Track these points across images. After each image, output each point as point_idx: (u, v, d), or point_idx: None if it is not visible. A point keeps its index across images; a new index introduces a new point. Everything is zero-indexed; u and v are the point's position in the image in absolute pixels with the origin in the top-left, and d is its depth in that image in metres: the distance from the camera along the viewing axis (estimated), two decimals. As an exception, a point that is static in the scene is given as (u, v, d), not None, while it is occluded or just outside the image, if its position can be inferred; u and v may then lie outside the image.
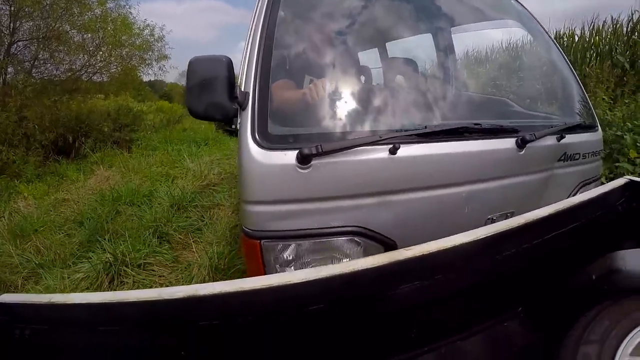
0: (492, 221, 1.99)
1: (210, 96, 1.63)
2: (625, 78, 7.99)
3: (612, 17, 9.81)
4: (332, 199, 1.65)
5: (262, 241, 1.64)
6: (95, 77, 12.81)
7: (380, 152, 1.66)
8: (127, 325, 1.47)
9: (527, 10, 2.77)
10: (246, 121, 1.64)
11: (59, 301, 1.44)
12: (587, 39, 10.10)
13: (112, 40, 12.00)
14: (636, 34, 8.82)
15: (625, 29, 9.29)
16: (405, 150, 1.69)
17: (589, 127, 2.47)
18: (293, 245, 1.68)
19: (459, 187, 1.87)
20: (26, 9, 9.76)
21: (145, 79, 16.06)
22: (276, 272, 1.69)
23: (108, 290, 3.73)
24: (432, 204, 1.82)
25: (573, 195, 2.30)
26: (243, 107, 1.66)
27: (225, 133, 13.18)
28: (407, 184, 1.74)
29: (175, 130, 13.89)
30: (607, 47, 9.33)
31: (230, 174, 7.26)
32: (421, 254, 1.49)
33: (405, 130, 1.75)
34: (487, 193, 1.96)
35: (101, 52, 12.20)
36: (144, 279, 3.89)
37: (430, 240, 1.59)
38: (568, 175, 2.31)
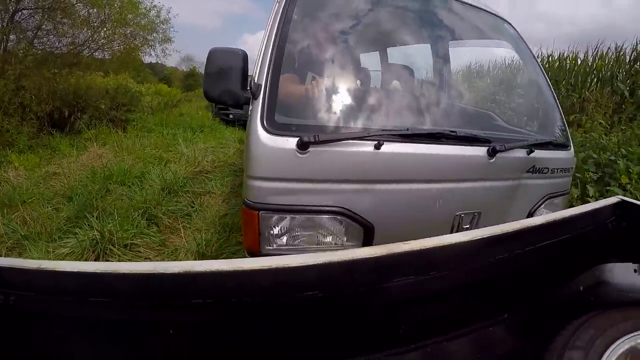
0: (460, 217, 2.26)
1: (226, 84, 1.92)
2: (623, 105, 8.08)
3: (616, 45, 9.93)
4: (323, 182, 1.90)
5: (260, 212, 1.88)
6: (96, 54, 12.74)
7: (367, 147, 1.91)
8: (118, 298, 1.45)
9: (520, 35, 3.03)
10: (257, 109, 1.87)
11: (48, 268, 1.42)
12: (590, 64, 10.16)
13: (118, 18, 11.91)
14: (639, 63, 8.89)
15: (628, 57, 9.38)
16: (388, 147, 1.95)
17: (561, 146, 2.69)
18: (287, 218, 1.94)
19: (433, 184, 2.13)
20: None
21: (146, 60, 15.99)
22: (270, 241, 1.97)
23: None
24: (408, 196, 2.08)
25: (538, 206, 2.60)
26: (255, 96, 1.91)
27: (222, 122, 13.17)
28: (387, 176, 2.01)
29: (172, 114, 13.84)
30: (608, 73, 9.40)
31: (224, 162, 7.27)
32: (418, 248, 1.54)
33: (390, 130, 2.03)
34: (457, 192, 2.20)
35: (105, 29, 12.11)
36: (129, 259, 3.86)
37: (404, 227, 2.09)
38: (535, 186, 2.54)
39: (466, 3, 2.83)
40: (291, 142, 1.80)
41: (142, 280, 1.39)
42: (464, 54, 3.75)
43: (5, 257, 3.93)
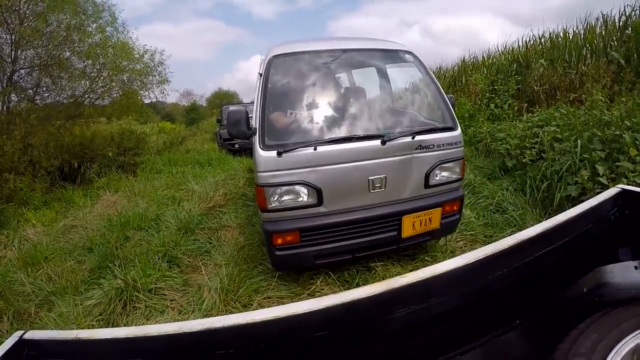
0: (372, 180, 3.58)
1: (238, 127, 3.58)
2: (622, 74, 7.96)
3: (602, 14, 9.87)
4: (292, 169, 3.41)
5: (264, 188, 3.43)
6: (97, 102, 12.91)
7: (310, 149, 3.42)
8: (151, 358, 1.58)
9: (419, 59, 4.39)
10: (256, 140, 3.49)
11: (85, 337, 1.51)
12: (582, 37, 10.10)
13: (113, 66, 12.10)
14: (629, 29, 8.76)
15: (617, 24, 9.28)
16: (321, 149, 3.44)
17: (448, 129, 3.94)
18: (277, 189, 3.45)
19: (350, 163, 3.51)
20: (27, 38, 9.87)
21: (147, 100, 16.13)
22: (272, 203, 3.48)
23: (121, 316, 3.81)
24: (336, 171, 3.50)
25: (432, 169, 3.80)
26: (255, 133, 3.55)
27: (229, 153, 13.29)
28: (323, 162, 3.46)
29: (178, 152, 13.94)
30: (601, 44, 9.32)
31: (235, 194, 7.34)
32: (415, 280, 1.65)
33: (320, 140, 3.52)
34: (367, 166, 3.55)
35: (102, 78, 12.29)
36: (155, 304, 3.93)
37: (337, 187, 3.54)
38: (426, 157, 3.76)
39: (390, 49, 4.53)
40: (273, 153, 3.37)
41: (171, 340, 1.50)
42: (396, 74, 5.17)
43: (34, 316, 4.01)
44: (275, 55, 3.97)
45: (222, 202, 6.85)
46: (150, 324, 3.66)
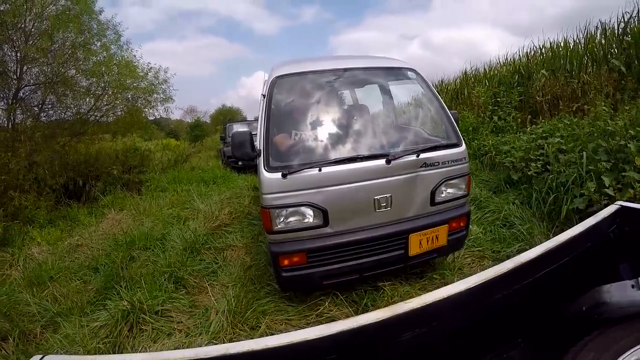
0: (378, 200, 3.58)
1: (243, 149, 3.61)
2: (623, 81, 7.95)
3: (600, 22, 9.89)
4: (296, 191, 3.40)
5: (270, 210, 3.42)
6: (102, 119, 12.97)
7: (314, 171, 3.42)
8: None
9: (422, 76, 4.42)
10: (261, 161, 3.51)
11: None
12: (583, 46, 10.11)
13: (117, 84, 12.20)
14: (629, 36, 8.76)
15: (616, 32, 9.28)
16: (325, 169, 3.43)
17: (453, 145, 3.92)
18: (282, 210, 3.43)
19: (355, 183, 3.51)
20: (32, 55, 9.95)
21: (151, 117, 16.20)
22: (277, 225, 3.46)
23: (128, 338, 3.78)
24: (342, 191, 3.49)
25: (438, 186, 3.78)
26: (259, 155, 3.57)
27: (234, 170, 13.30)
28: (328, 183, 3.45)
29: (183, 169, 13.95)
30: (601, 52, 9.33)
31: (241, 213, 7.32)
32: (419, 305, 1.72)
33: (324, 161, 3.50)
34: (372, 186, 3.55)
35: (107, 95, 12.38)
36: (162, 326, 3.90)
37: (343, 207, 3.52)
38: (431, 174, 3.75)
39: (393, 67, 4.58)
40: (278, 175, 3.37)
41: None
42: (397, 93, 5.27)
43: (40, 337, 3.98)
44: (278, 76, 3.99)
45: (227, 221, 6.84)
46: (157, 347, 3.65)
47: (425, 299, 1.75)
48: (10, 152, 8.57)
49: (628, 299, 1.85)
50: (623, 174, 4.70)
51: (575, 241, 2.10)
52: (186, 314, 4.13)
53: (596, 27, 10.11)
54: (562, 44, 10.86)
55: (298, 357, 1.63)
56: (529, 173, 6.23)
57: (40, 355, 1.57)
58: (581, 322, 1.96)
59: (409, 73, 4.44)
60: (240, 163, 13.64)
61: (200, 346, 2.70)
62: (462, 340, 1.96)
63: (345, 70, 4.27)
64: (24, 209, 8.04)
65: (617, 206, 2.30)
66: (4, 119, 10.53)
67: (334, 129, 4.01)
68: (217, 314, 3.90)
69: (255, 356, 1.53)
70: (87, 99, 11.95)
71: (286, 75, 4.05)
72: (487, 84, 11.83)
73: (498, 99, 10.23)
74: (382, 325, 1.66)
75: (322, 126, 3.97)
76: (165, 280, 4.70)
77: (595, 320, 1.87)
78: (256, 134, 4.32)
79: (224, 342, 3.52)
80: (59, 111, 11.58)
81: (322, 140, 3.82)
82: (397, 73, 4.62)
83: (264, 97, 3.96)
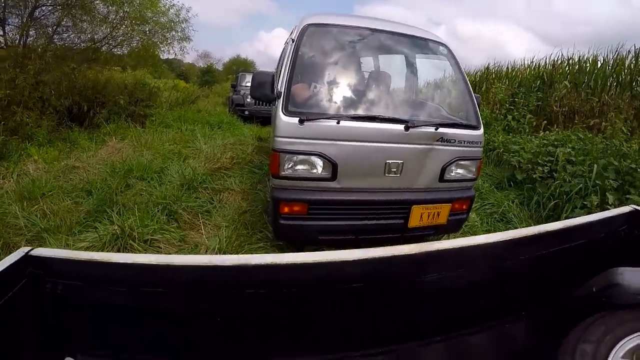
0: (389, 164, 3.55)
1: (263, 90, 3.51)
2: None
3: (635, 47, 9.77)
4: (311, 139, 3.36)
5: (280, 153, 3.38)
6: (115, 50, 12.75)
7: (332, 122, 3.37)
8: (173, 288, 1.56)
9: (452, 52, 4.31)
10: (280, 103, 3.42)
11: (101, 259, 1.50)
12: (611, 66, 10.06)
13: (137, 15, 11.90)
14: None
15: None
16: (344, 123, 3.38)
17: (471, 127, 3.88)
18: (292, 157, 3.40)
19: (371, 143, 3.47)
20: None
21: (164, 56, 15.97)
22: (285, 170, 3.43)
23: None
24: (355, 148, 3.45)
25: (449, 164, 3.77)
26: (279, 97, 3.47)
27: (239, 118, 13.18)
28: (343, 137, 3.41)
29: (190, 110, 13.75)
30: (628, 77, 9.32)
31: (242, 160, 7.27)
32: (450, 247, 1.78)
33: (345, 115, 3.50)
34: (386, 149, 3.52)
35: (124, 26, 12.09)
36: (149, 255, 3.81)
37: (354, 165, 3.48)
38: (445, 150, 3.72)
39: (426, 38, 4.40)
40: (295, 120, 3.31)
41: (198, 272, 1.49)
42: (425, 64, 5.11)
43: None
44: (310, 24, 3.90)
45: (228, 165, 6.80)
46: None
47: (456, 243, 1.82)
48: (19, 69, 8.41)
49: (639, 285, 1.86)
50: (627, 195, 4.84)
51: (591, 227, 2.17)
52: (175, 247, 4.11)
53: (628, 51, 10.06)
54: (590, 60, 10.80)
55: (325, 278, 1.64)
56: (534, 176, 6.29)
57: (30, 248, 1.51)
58: (587, 304, 1.97)
59: (441, 48, 4.36)
60: (246, 112, 13.66)
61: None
62: (480, 294, 2.02)
63: (379, 31, 4.16)
64: (25, 125, 7.93)
65: (632, 208, 2.35)
66: (17, 36, 10.30)
67: (357, 87, 3.99)
68: (207, 251, 3.88)
69: (275, 272, 1.53)
70: (104, 27, 11.65)
71: (319, 24, 3.98)
72: (507, 83, 11.75)
73: (515, 100, 10.19)
74: (410, 259, 1.70)
75: (346, 82, 3.95)
76: (158, 211, 4.67)
77: (602, 304, 1.88)
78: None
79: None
80: (72, 35, 11.31)
81: (343, 96, 3.80)
82: (429, 46, 4.50)
83: (293, 42, 3.89)
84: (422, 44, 4.51)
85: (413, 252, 1.67)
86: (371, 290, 1.74)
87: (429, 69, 5.20)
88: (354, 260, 1.56)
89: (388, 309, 1.91)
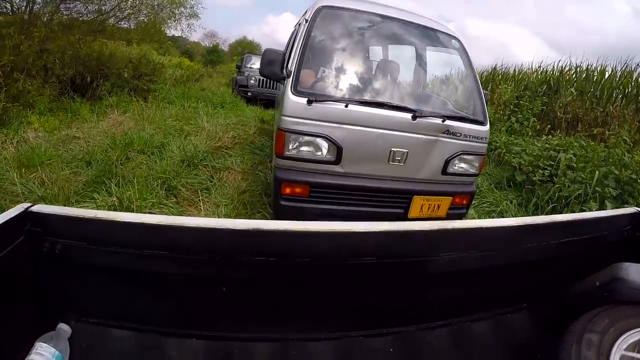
0: (394, 153, 3.55)
1: (273, 68, 3.51)
2: None
3: None
4: (317, 121, 3.35)
5: (286, 133, 3.37)
6: (121, 23, 12.62)
7: (341, 105, 3.37)
8: (179, 252, 1.50)
9: (464, 47, 4.32)
10: (289, 83, 3.42)
11: (105, 217, 1.44)
12: (618, 78, 10.13)
13: (146, -11, 11.73)
14: None
15: None
16: (352, 107, 3.38)
17: (477, 122, 3.89)
18: (298, 137, 3.39)
19: (377, 129, 3.47)
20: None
21: (170, 33, 15.87)
22: (289, 150, 3.42)
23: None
24: (361, 133, 3.44)
25: (453, 157, 3.75)
26: (289, 75, 3.47)
27: (242, 99, 13.13)
28: (351, 121, 3.41)
29: (194, 88, 13.68)
30: (635, 90, 9.39)
31: (244, 140, 7.24)
32: (464, 227, 1.83)
33: (354, 99, 3.51)
34: (392, 137, 3.51)
35: (131, -1, 11.95)
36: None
37: (359, 150, 3.48)
38: (450, 143, 3.71)
39: (436, 29, 4.38)
40: (303, 100, 3.30)
41: (206, 235, 1.45)
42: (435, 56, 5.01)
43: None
44: (325, 6, 3.91)
45: (229, 145, 6.76)
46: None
47: (471, 223, 1.88)
48: (24, 35, 8.31)
49: None
50: (625, 205, 4.83)
51: (597, 223, 2.20)
52: (173, 222, 4.01)
53: (637, 64, 10.10)
54: (598, 70, 10.85)
55: (337, 249, 1.62)
56: (534, 178, 6.32)
57: (30, 204, 1.46)
58: (589, 298, 2.00)
59: (453, 41, 4.37)
60: (249, 94, 13.63)
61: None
62: (486, 280, 2.04)
63: (392, 18, 4.16)
64: (27, 93, 7.82)
65: (636, 210, 2.35)
66: (24, 2, 10.14)
67: (367, 73, 4.04)
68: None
69: (290, 238, 1.51)
70: (112, -1, 11.49)
71: (333, 7, 3.97)
72: (513, 85, 11.80)
73: (520, 102, 10.22)
74: (425, 236, 1.70)
75: (356, 66, 3.96)
76: (157, 185, 4.66)
77: (604, 299, 1.91)
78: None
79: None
80: (79, 5, 11.17)
81: (353, 80, 3.82)
82: (443, 39, 4.48)
83: (306, 22, 3.87)
84: (435, 36, 4.48)
85: (427, 229, 1.68)
86: (382, 266, 1.70)
87: (440, 61, 5.17)
88: (368, 232, 1.55)
89: (395, 288, 1.90)
